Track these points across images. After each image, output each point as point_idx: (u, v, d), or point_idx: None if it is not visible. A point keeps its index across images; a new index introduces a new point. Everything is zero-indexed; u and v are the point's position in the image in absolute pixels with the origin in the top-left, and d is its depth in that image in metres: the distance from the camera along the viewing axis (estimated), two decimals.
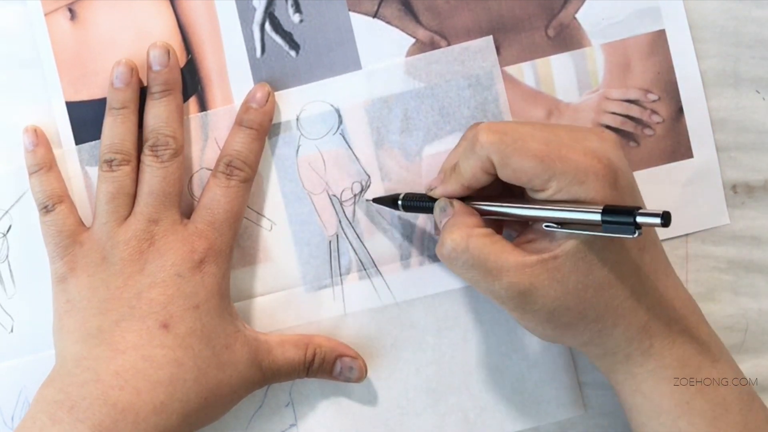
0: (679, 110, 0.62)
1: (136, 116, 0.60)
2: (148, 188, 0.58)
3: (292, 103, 0.62)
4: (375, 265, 0.62)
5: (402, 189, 0.62)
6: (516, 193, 0.57)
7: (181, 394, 0.55)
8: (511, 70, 0.62)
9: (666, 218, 0.50)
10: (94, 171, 0.62)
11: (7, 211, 0.62)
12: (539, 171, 0.52)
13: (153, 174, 0.58)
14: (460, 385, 0.62)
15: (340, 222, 0.62)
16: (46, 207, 0.60)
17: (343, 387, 0.62)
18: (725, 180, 0.62)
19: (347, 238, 0.62)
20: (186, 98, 0.62)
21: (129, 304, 0.57)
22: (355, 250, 0.62)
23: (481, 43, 0.62)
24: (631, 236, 0.50)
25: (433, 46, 0.62)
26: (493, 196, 0.57)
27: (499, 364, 0.62)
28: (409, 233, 0.62)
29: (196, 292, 0.57)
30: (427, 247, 0.62)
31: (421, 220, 0.62)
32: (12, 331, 0.62)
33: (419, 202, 0.59)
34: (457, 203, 0.56)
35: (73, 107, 0.62)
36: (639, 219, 0.50)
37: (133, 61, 0.60)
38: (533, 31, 0.62)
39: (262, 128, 0.61)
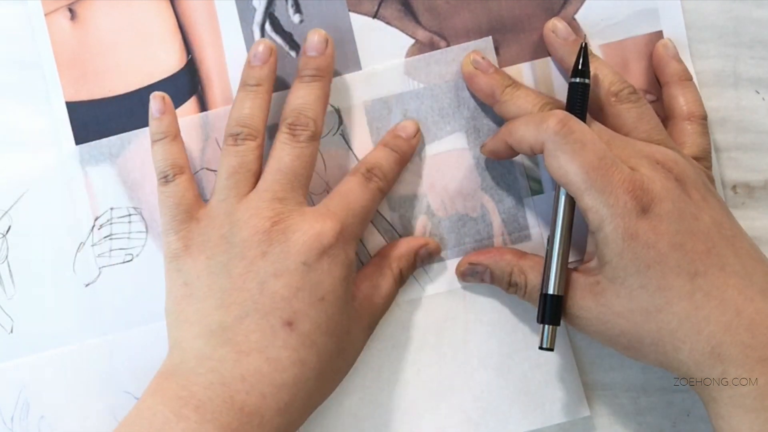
0: None
1: (269, 97, 0.59)
2: (277, 165, 0.56)
3: None
4: None
5: (402, 189, 0.62)
6: None
7: (304, 392, 0.54)
8: (510, 70, 0.62)
9: (547, 347, 0.56)
10: (94, 171, 0.62)
11: (6, 212, 0.62)
12: (579, 180, 0.52)
13: (286, 151, 0.56)
14: (462, 386, 0.62)
15: None
16: (166, 176, 0.58)
17: (345, 387, 0.62)
18: (725, 180, 0.62)
19: None
20: (186, 98, 0.62)
21: (252, 297, 0.54)
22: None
23: (480, 44, 0.62)
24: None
25: (432, 46, 0.62)
26: None
27: (501, 365, 0.62)
28: (409, 234, 0.62)
29: (321, 281, 0.55)
30: None
31: (421, 220, 0.62)
32: (12, 331, 0.62)
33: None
34: None
35: (73, 107, 0.62)
36: (543, 331, 0.56)
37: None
38: (532, 31, 0.62)
39: (405, 156, 0.61)
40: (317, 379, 0.55)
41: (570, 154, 0.53)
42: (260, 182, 0.56)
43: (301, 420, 0.56)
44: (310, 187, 0.59)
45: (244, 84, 0.58)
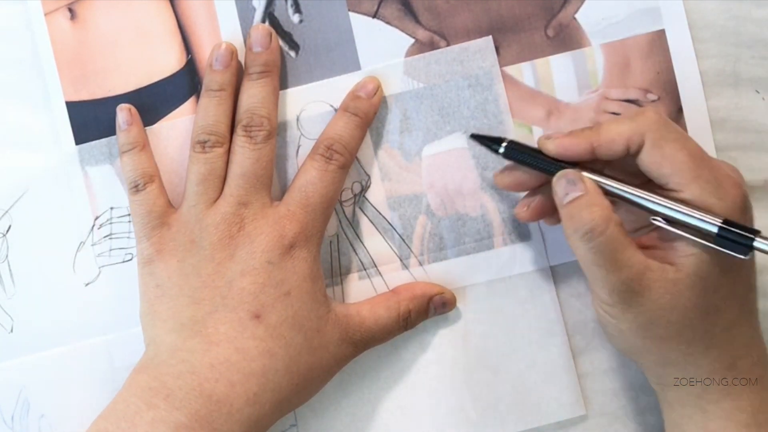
0: (679, 110, 0.62)
1: (233, 100, 0.60)
2: (240, 170, 0.58)
3: (292, 103, 0.62)
4: (375, 265, 0.62)
5: (402, 189, 0.62)
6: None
7: (273, 384, 0.56)
8: (510, 70, 0.62)
9: None
10: (94, 171, 0.62)
11: (7, 211, 0.62)
12: (687, 168, 0.52)
13: (245, 156, 0.58)
14: (461, 385, 0.62)
15: (340, 222, 0.62)
16: (136, 186, 0.59)
17: (343, 387, 0.62)
18: None
19: (347, 238, 0.62)
20: (185, 98, 0.62)
21: (221, 293, 0.56)
22: (355, 251, 0.62)
23: (480, 43, 0.62)
24: (742, 257, 0.51)
25: (432, 46, 0.62)
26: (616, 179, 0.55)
27: (499, 364, 0.62)
28: (409, 233, 0.62)
29: (286, 278, 0.57)
30: (427, 247, 0.62)
31: (421, 220, 0.62)
32: (12, 331, 0.62)
33: (530, 156, 0.56)
34: (589, 181, 0.54)
35: (73, 107, 0.62)
36: (758, 244, 0.51)
37: (231, 45, 0.60)
38: (533, 31, 0.62)
39: (367, 118, 0.61)
40: (286, 371, 0.56)
41: (676, 142, 0.52)
42: (225, 187, 0.58)
43: (273, 415, 0.56)
44: None
45: (207, 89, 0.59)
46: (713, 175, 0.53)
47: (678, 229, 0.53)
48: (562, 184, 0.54)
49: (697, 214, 0.52)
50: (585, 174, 0.54)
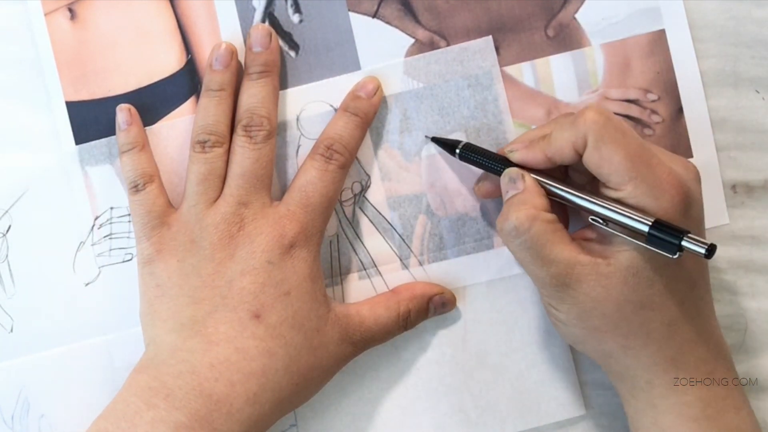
0: (679, 110, 0.62)
1: (233, 100, 0.60)
2: (239, 170, 0.58)
3: (292, 103, 0.62)
4: (375, 265, 0.62)
5: (402, 189, 0.62)
6: (585, 186, 0.57)
7: (273, 383, 0.56)
8: (510, 70, 0.62)
9: (711, 251, 0.51)
10: (94, 171, 0.62)
11: (7, 211, 0.62)
12: (623, 168, 0.53)
13: (245, 156, 0.58)
14: (461, 385, 0.62)
15: (340, 222, 0.62)
16: (136, 186, 0.59)
17: (343, 387, 0.62)
18: (725, 180, 0.62)
19: (347, 238, 0.62)
20: (185, 98, 0.62)
21: (221, 293, 0.57)
22: (354, 250, 0.62)
23: (480, 43, 0.62)
24: (670, 256, 0.52)
25: (432, 46, 0.62)
26: (558, 180, 0.57)
27: (499, 364, 0.62)
28: (409, 233, 0.62)
29: (286, 278, 0.57)
30: (427, 247, 0.62)
31: (421, 220, 0.62)
32: (12, 331, 0.62)
33: (482, 158, 0.59)
34: (529, 179, 0.56)
35: (73, 107, 0.62)
36: (685, 243, 0.51)
37: (232, 46, 0.60)
38: (533, 31, 0.62)
39: (367, 118, 0.61)
40: (286, 371, 0.56)
41: (613, 143, 0.53)
42: (225, 187, 0.58)
43: (273, 415, 0.56)
44: None
45: (207, 89, 0.60)
46: (651, 175, 0.53)
47: (614, 227, 0.54)
48: (505, 181, 0.57)
49: (629, 213, 0.53)
50: (527, 173, 0.56)
